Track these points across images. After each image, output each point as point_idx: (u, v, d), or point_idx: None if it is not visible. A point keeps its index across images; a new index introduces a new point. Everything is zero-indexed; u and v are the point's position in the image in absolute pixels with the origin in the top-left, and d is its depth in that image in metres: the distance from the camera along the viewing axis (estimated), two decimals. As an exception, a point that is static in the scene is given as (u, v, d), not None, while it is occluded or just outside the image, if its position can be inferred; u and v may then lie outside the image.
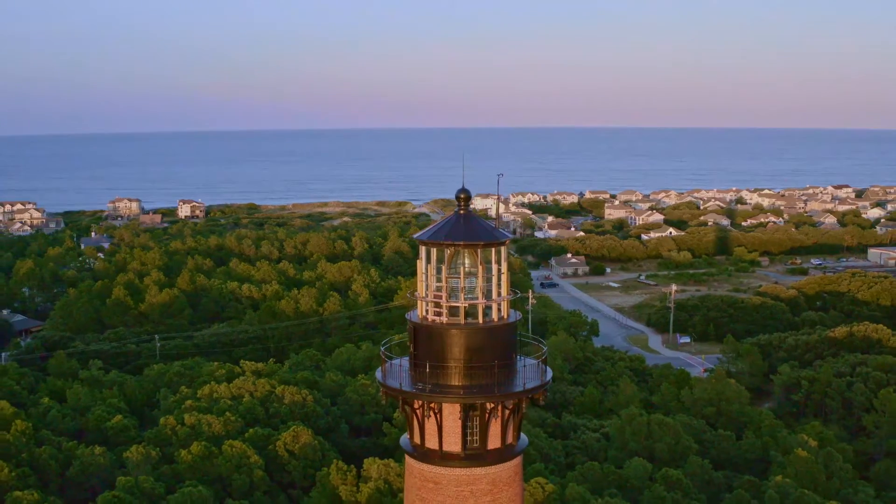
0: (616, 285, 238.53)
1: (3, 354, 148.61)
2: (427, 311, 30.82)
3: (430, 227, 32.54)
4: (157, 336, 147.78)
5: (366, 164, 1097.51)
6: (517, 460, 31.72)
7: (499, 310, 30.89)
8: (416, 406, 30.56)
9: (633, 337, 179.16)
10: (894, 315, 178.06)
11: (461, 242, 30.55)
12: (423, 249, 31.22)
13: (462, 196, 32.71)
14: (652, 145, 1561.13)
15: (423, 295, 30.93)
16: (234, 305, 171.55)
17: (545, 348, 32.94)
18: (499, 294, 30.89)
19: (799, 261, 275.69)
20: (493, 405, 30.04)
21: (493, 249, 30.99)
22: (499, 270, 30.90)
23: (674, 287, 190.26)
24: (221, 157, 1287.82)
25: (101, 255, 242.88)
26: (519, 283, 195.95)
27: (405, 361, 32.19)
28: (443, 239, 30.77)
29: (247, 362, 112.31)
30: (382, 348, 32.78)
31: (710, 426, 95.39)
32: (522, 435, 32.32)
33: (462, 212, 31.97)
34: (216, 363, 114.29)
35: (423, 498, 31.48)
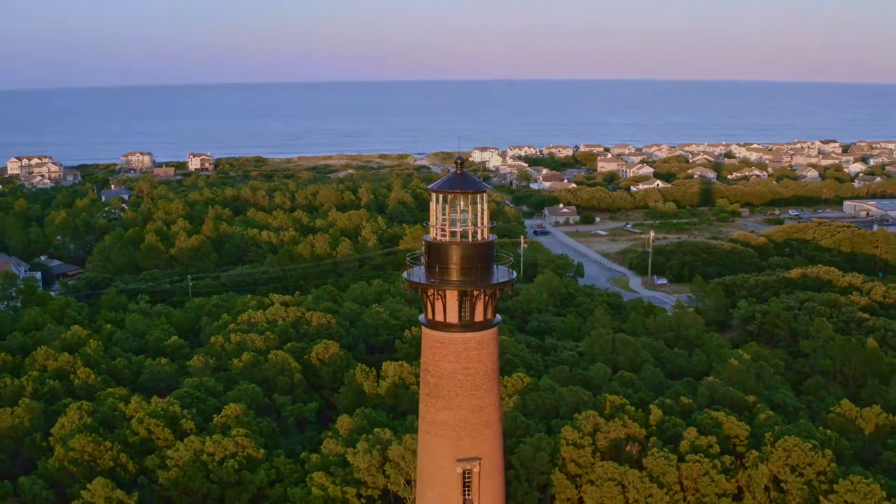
0: (604, 233, 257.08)
1: (52, 294, 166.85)
2: (436, 234, 48.62)
3: (438, 180, 50.16)
4: (189, 276, 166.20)
5: (362, 117, 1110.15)
6: (494, 329, 49.64)
7: (481, 234, 48.67)
8: (429, 293, 48.40)
9: (616, 279, 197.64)
10: (852, 260, 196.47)
11: (458, 191, 48.19)
12: (433, 195, 48.90)
13: (458, 161, 50.37)
14: (651, 99, 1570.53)
15: (434, 224, 48.76)
16: (254, 250, 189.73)
17: (511, 258, 50.92)
18: (481, 224, 48.66)
19: (777, 212, 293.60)
20: (478, 292, 47.88)
21: (479, 196, 48.66)
22: (481, 209, 48.62)
23: (652, 234, 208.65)
24: (219, 111, 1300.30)
25: (124, 205, 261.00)
26: (513, 230, 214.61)
27: (420, 269, 50.07)
28: (446, 188, 48.46)
29: (275, 295, 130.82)
30: (408, 258, 50.76)
31: (667, 346, 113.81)
32: (497, 315, 50.28)
33: (458, 171, 49.68)
34: (248, 296, 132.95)
35: (434, 353, 49.51)
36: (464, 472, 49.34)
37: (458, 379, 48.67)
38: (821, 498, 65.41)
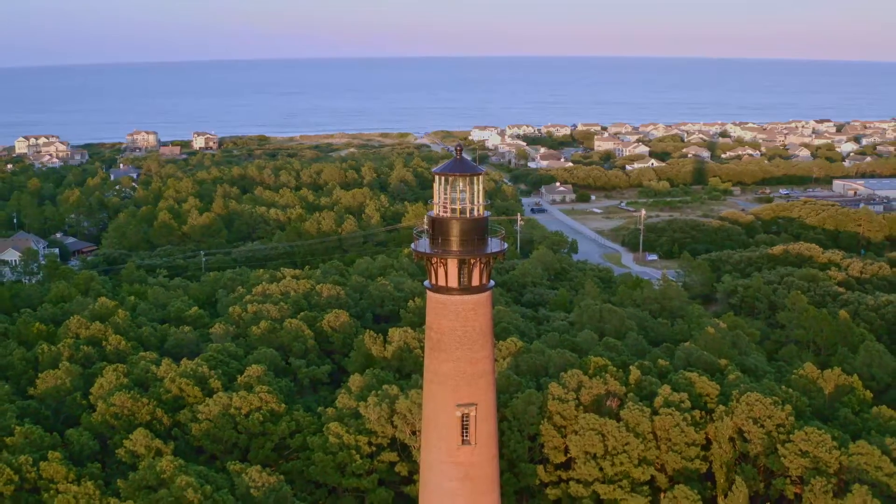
0: (599, 211, 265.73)
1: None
2: (439, 210, 57.01)
3: (440, 164, 58.52)
4: (202, 252, 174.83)
5: (361, 95, 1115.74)
6: (488, 293, 58.07)
7: (477, 210, 57.05)
8: (433, 261, 56.79)
9: (609, 255, 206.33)
10: (836, 238, 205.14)
11: (457, 174, 56.54)
12: (437, 177, 57.23)
13: (458, 148, 58.71)
14: (651, 76, 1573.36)
15: (437, 202, 57.15)
16: (263, 227, 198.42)
17: (503, 231, 59.42)
18: (477, 202, 57.05)
19: (768, 191, 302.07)
20: (474, 260, 56.29)
21: (475, 178, 56.97)
22: (478, 189, 56.98)
23: (643, 212, 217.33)
24: (217, 89, 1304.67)
25: (134, 184, 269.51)
26: (510, 208, 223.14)
27: (425, 241, 58.51)
28: (448, 172, 56.82)
29: (286, 269, 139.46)
30: (415, 232, 59.24)
31: (652, 317, 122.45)
32: (492, 281, 58.76)
33: (458, 157, 58.00)
34: (261, 270, 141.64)
35: (437, 313, 57.99)
36: (462, 416, 57.90)
37: (458, 335, 57.18)
38: (778, 446, 73.93)
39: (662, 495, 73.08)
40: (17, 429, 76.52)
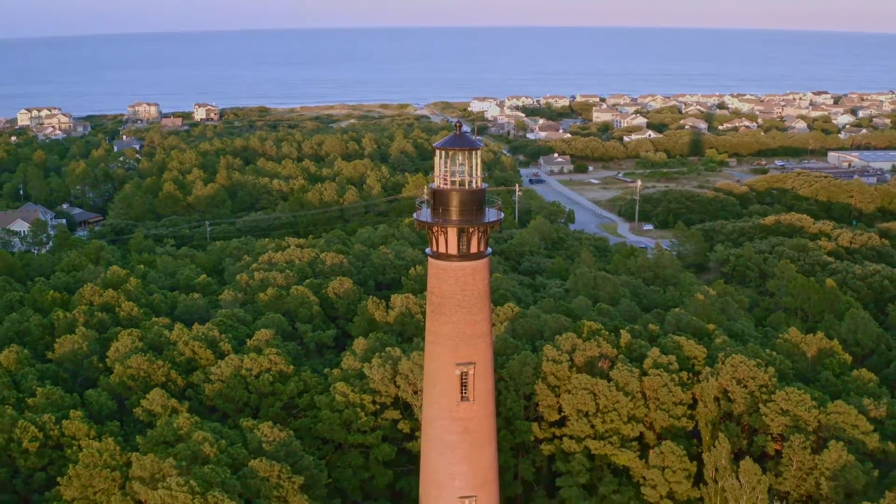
0: (596, 182, 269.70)
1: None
2: (440, 182, 60.95)
3: (442, 139, 62.40)
4: (207, 222, 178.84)
5: (360, 65, 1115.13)
6: (485, 259, 62.09)
7: (476, 182, 60.98)
8: (434, 230, 60.77)
9: (605, 225, 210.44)
10: (828, 208, 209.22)
11: (457, 148, 60.43)
12: (437, 152, 61.13)
13: (457, 124, 62.61)
14: (652, 48, 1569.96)
15: (438, 174, 61.08)
16: (266, 197, 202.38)
17: (499, 202, 63.41)
18: (475, 174, 60.97)
19: (763, 162, 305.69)
20: (472, 229, 60.27)
21: (473, 152, 60.88)
22: (476, 163, 60.89)
23: (639, 182, 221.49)
24: (215, 60, 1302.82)
25: (138, 156, 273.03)
26: (509, 179, 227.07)
27: (427, 210, 62.46)
28: (448, 146, 60.69)
29: (290, 238, 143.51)
30: (417, 202, 63.20)
31: (645, 284, 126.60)
32: (489, 248, 62.80)
33: (458, 133, 61.86)
34: (266, 239, 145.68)
35: (437, 278, 62.06)
36: (461, 374, 62.16)
37: (457, 299, 61.31)
38: (761, 406, 78.12)
39: (650, 451, 77.50)
40: (39, 390, 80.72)
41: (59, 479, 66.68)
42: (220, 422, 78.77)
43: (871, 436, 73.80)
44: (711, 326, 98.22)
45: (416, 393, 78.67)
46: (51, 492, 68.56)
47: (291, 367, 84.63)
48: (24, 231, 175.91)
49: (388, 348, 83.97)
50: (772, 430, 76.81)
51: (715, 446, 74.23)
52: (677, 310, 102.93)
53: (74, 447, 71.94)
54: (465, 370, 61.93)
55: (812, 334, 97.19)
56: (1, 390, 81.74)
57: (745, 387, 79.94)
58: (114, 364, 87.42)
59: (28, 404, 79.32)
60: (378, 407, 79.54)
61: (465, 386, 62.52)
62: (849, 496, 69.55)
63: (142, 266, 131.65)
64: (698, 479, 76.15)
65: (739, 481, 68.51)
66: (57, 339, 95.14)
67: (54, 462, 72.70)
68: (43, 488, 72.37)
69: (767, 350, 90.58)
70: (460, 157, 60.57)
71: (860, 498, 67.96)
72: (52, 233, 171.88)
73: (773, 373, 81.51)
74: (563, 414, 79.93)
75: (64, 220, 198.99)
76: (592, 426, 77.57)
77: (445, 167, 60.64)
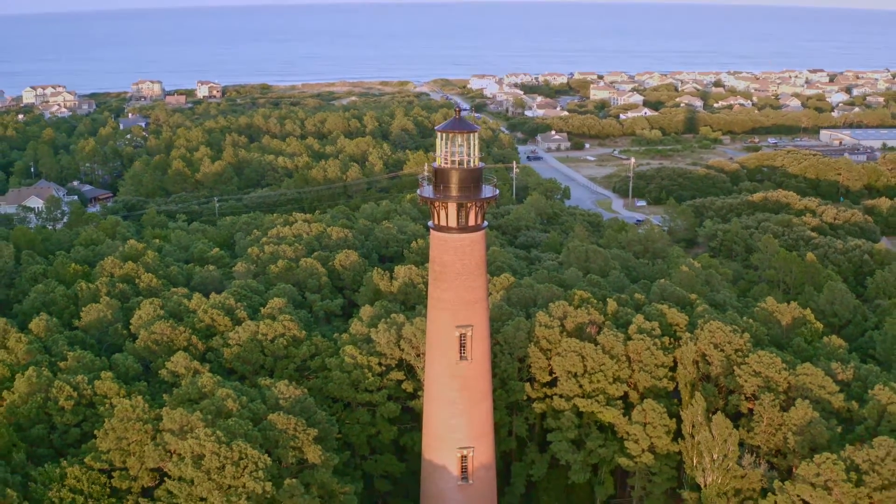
0: (592, 159, 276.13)
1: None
2: (441, 162, 67.64)
3: (443, 123, 68.98)
4: (215, 199, 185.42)
5: (361, 42, 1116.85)
6: (482, 232, 68.88)
7: (473, 162, 67.65)
8: (436, 205, 67.47)
9: (600, 201, 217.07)
10: (816, 185, 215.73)
11: (457, 131, 67.04)
12: (439, 134, 67.77)
13: (457, 109, 69.19)
14: (651, 24, 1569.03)
15: (439, 154, 67.77)
16: (271, 174, 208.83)
17: (495, 179, 70.11)
18: (473, 154, 67.66)
19: (757, 140, 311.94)
20: (470, 204, 67.01)
21: (472, 135, 67.52)
22: (474, 144, 67.57)
23: (633, 160, 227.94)
24: (215, 37, 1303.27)
25: (145, 133, 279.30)
26: (507, 156, 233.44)
27: (429, 187, 69.18)
28: (448, 129, 67.31)
29: (297, 213, 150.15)
30: (419, 178, 69.90)
31: (635, 257, 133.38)
32: (486, 221, 69.55)
33: (457, 117, 68.45)
34: (274, 214, 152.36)
35: (439, 249, 68.82)
36: (461, 336, 69.04)
37: (457, 267, 68.12)
38: (735, 368, 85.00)
39: (634, 409, 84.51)
40: (70, 354, 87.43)
41: (95, 432, 73.24)
42: (238, 381, 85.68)
43: (836, 396, 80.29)
44: (694, 296, 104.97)
45: (418, 355, 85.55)
46: (86, 444, 75.16)
47: (304, 332, 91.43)
48: (38, 207, 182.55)
49: (392, 315, 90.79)
50: (745, 391, 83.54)
51: (692, 405, 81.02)
52: (663, 280, 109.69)
53: (106, 405, 78.53)
54: (464, 332, 68.74)
55: (786, 304, 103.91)
56: (34, 354, 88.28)
57: (722, 350, 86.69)
58: (138, 331, 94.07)
59: (60, 367, 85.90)
60: (384, 368, 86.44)
61: (464, 346, 69.35)
62: (813, 450, 76.09)
63: (157, 240, 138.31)
64: (678, 435, 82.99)
65: (712, 434, 75.37)
66: (83, 308, 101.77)
67: (88, 419, 79.08)
68: (77, 443, 78.80)
69: (745, 318, 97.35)
70: (459, 139, 67.10)
71: (824, 451, 74.82)
72: (65, 209, 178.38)
73: (749, 338, 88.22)
74: (553, 375, 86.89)
75: (76, 197, 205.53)
76: (581, 386, 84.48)
77: (446, 148, 67.23)
